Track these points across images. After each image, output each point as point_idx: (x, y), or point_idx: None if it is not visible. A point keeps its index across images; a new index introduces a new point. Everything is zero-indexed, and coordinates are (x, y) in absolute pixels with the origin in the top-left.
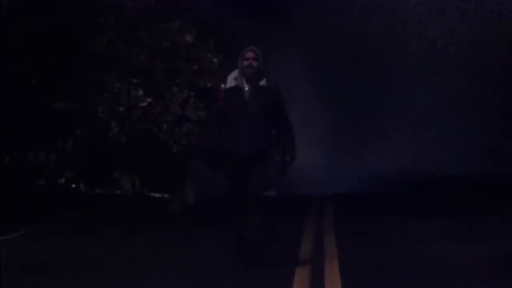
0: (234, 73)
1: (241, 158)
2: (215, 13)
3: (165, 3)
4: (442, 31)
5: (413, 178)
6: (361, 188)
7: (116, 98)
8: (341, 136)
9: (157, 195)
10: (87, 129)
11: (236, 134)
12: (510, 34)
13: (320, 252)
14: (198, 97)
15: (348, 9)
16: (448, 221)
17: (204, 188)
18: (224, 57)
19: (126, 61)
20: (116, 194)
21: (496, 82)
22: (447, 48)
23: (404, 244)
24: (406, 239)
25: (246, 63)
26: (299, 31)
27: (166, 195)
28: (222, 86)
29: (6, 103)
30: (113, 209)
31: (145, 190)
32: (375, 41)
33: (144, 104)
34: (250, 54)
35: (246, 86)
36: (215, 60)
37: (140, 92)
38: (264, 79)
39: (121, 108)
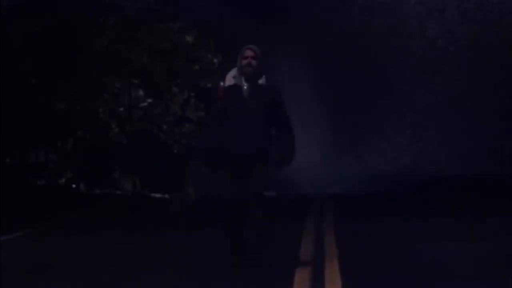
0: (233, 72)
1: (241, 158)
2: (215, 13)
3: (165, 3)
4: (442, 31)
5: (413, 178)
6: (361, 188)
7: (116, 99)
8: (341, 136)
9: (158, 195)
10: (87, 129)
11: (235, 134)
12: (510, 34)
13: (320, 252)
14: (198, 97)
15: (348, 9)
16: (448, 221)
17: (204, 188)
18: (225, 57)
19: (126, 61)
20: (116, 194)
21: (496, 82)
22: (447, 48)
23: (404, 244)
24: (406, 239)
25: (245, 61)
26: (299, 31)
27: (166, 196)
28: (221, 84)
29: (6, 103)
30: (113, 209)
31: (146, 190)
32: (375, 41)
33: (145, 104)
34: (249, 53)
35: (245, 84)
36: (215, 60)
37: (141, 92)
38: (264, 77)
39: (122, 109)
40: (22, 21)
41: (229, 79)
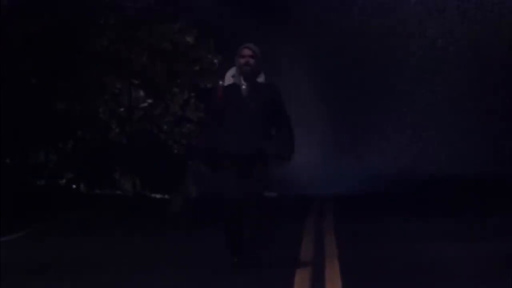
0: (232, 70)
1: (240, 158)
2: (215, 13)
3: (165, 3)
4: (442, 31)
5: (413, 178)
6: (361, 188)
7: (117, 99)
8: (341, 136)
9: (158, 196)
10: (88, 129)
11: (235, 134)
12: (510, 34)
13: (320, 252)
14: (198, 97)
15: (348, 9)
16: (448, 221)
17: (204, 187)
18: (225, 57)
19: (126, 61)
20: (117, 194)
21: (496, 82)
22: (447, 48)
23: (404, 244)
24: (406, 239)
25: (242, 60)
26: (299, 31)
27: (166, 196)
28: (220, 83)
29: (6, 103)
30: (114, 210)
31: (146, 190)
32: (375, 41)
33: (145, 104)
34: (246, 52)
35: (244, 83)
36: (215, 61)
37: (141, 93)
38: (262, 75)
39: (122, 109)
40: (22, 21)
41: (228, 78)
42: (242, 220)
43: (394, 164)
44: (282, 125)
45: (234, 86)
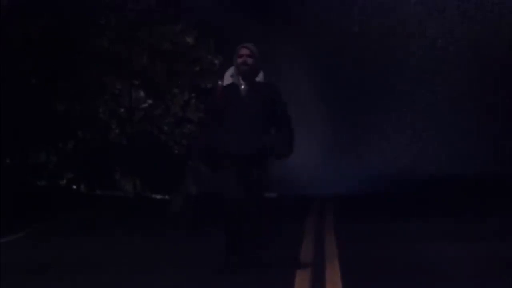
0: (231, 70)
1: (240, 158)
2: (215, 13)
3: (166, 4)
4: (442, 31)
5: (413, 178)
6: (361, 188)
7: (117, 99)
8: (341, 136)
9: (158, 196)
10: (88, 130)
11: (234, 134)
12: (510, 34)
13: (320, 252)
14: (199, 98)
15: (348, 9)
16: (448, 221)
17: (204, 186)
18: (225, 58)
19: (126, 62)
20: (117, 195)
21: (496, 82)
22: (447, 48)
23: (404, 244)
24: (406, 239)
25: (240, 60)
26: (299, 31)
27: (167, 197)
28: (220, 83)
29: (6, 103)
30: (114, 210)
31: (146, 191)
32: (375, 41)
33: (145, 105)
34: (244, 51)
35: (243, 83)
36: (216, 61)
37: (141, 93)
38: (261, 74)
39: (122, 110)
40: (22, 21)
41: (227, 78)
42: (242, 220)
43: (394, 164)
44: (282, 124)
45: (233, 86)
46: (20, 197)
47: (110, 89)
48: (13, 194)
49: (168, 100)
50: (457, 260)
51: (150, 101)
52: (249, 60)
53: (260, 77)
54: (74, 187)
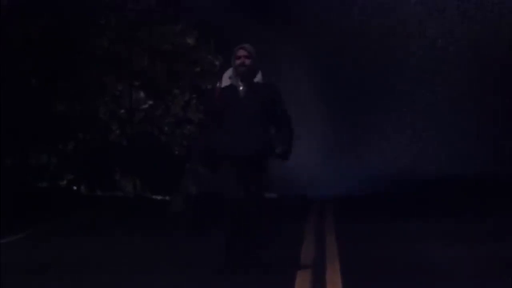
0: (229, 72)
1: (239, 159)
2: (215, 14)
3: (166, 4)
4: (442, 31)
5: (413, 178)
6: (361, 188)
7: (117, 100)
8: (341, 136)
9: (159, 197)
10: (88, 131)
11: (233, 135)
12: (510, 34)
13: (321, 253)
14: (199, 99)
15: (348, 9)
16: (448, 221)
17: (203, 186)
18: (225, 58)
19: (126, 62)
20: (117, 196)
21: (496, 82)
22: (447, 48)
23: (404, 244)
24: (406, 239)
25: (238, 61)
26: (299, 31)
27: (167, 197)
28: (218, 85)
29: (6, 103)
30: (114, 210)
31: (146, 192)
32: (375, 41)
33: (146, 106)
34: (241, 52)
35: (241, 84)
36: (216, 62)
37: (142, 94)
38: (259, 74)
39: (122, 110)
40: (22, 21)
41: (225, 80)
42: (242, 220)
43: (394, 164)
44: (282, 124)
45: (232, 88)
46: (20, 198)
47: (110, 89)
48: (13, 195)
49: (168, 101)
50: (457, 260)
51: (150, 102)
52: (247, 61)
53: (258, 78)
54: (75, 188)
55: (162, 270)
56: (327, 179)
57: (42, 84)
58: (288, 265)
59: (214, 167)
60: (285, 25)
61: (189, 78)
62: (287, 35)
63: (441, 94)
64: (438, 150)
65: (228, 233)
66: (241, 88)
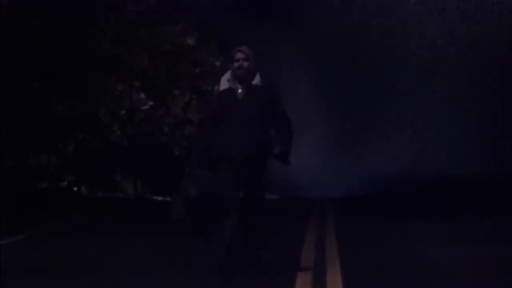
0: (227, 75)
1: (238, 161)
2: (215, 13)
3: (166, 5)
4: (442, 31)
5: (413, 178)
6: (361, 188)
7: (118, 101)
8: (341, 136)
9: (159, 198)
10: (88, 131)
11: (232, 138)
12: (510, 34)
13: (321, 253)
14: (200, 100)
15: (348, 9)
16: (448, 221)
17: (203, 187)
18: (226, 59)
19: (126, 63)
20: (118, 197)
21: (496, 82)
22: (447, 48)
23: (404, 244)
24: (406, 239)
25: (236, 64)
26: (299, 31)
27: (168, 198)
28: (216, 88)
29: (6, 103)
30: (115, 212)
31: (147, 193)
32: (375, 41)
33: (146, 107)
34: (239, 55)
35: (239, 87)
36: (217, 63)
37: (142, 95)
38: (258, 77)
39: (123, 111)
40: (22, 21)
41: (224, 83)
42: (242, 220)
43: (394, 164)
44: (281, 125)
45: (230, 91)
46: (20, 198)
47: (111, 90)
48: (13, 195)
49: (168, 101)
50: (457, 260)
51: (151, 103)
52: (245, 64)
53: (257, 80)
54: (75, 189)
55: (162, 270)
56: (327, 179)
57: (42, 84)
58: (288, 266)
59: (213, 168)
60: (285, 25)
61: (190, 79)
62: (287, 35)
63: (441, 94)
64: (438, 150)
65: (228, 234)
66: (239, 91)
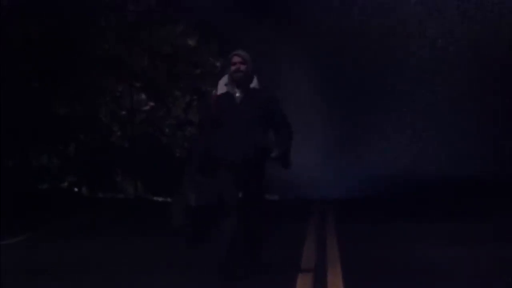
0: (225, 79)
1: (238, 164)
2: (215, 14)
3: (166, 5)
4: (442, 31)
5: (413, 178)
6: (361, 188)
7: (118, 102)
8: (341, 136)
9: (160, 199)
10: (89, 132)
11: (231, 141)
12: (510, 34)
13: (322, 254)
14: (200, 101)
15: (348, 9)
16: (448, 221)
17: (203, 194)
18: (226, 60)
19: (126, 63)
20: (119, 197)
21: (496, 82)
22: (447, 48)
23: (405, 245)
24: (406, 239)
25: (233, 68)
26: (299, 31)
27: (169, 199)
28: (214, 92)
29: (6, 104)
30: (115, 212)
31: (148, 193)
32: (375, 41)
33: (147, 108)
34: (236, 59)
35: (237, 91)
36: (217, 64)
37: (143, 96)
38: (255, 80)
39: (123, 112)
40: (22, 21)
41: (221, 87)
42: (242, 221)
43: (394, 164)
44: (280, 127)
45: (228, 95)
46: (20, 199)
47: (111, 90)
48: (13, 196)
49: (169, 102)
50: (457, 260)
51: (151, 104)
52: (242, 67)
53: (254, 83)
54: (76, 189)
55: (162, 270)
56: (327, 180)
57: (42, 85)
58: (289, 266)
59: (212, 170)
60: (285, 25)
61: (190, 80)
62: (287, 35)
63: (441, 94)
64: (438, 150)
65: (228, 234)
66: (237, 94)
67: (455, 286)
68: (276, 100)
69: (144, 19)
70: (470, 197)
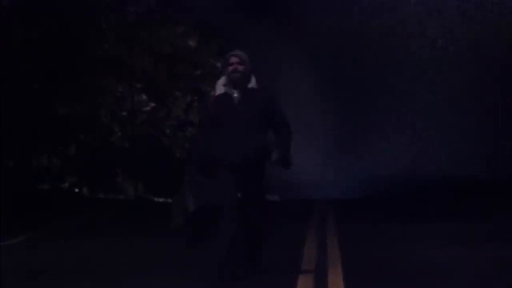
0: (223, 79)
1: (237, 165)
2: (215, 14)
3: (166, 5)
4: (442, 31)
5: (413, 178)
6: (361, 189)
7: (119, 102)
8: (341, 136)
9: (161, 199)
10: (90, 133)
11: (230, 142)
12: (510, 34)
13: (323, 254)
14: (201, 101)
15: (348, 9)
16: (448, 221)
17: (203, 196)
18: (224, 60)
19: (127, 64)
20: (119, 198)
21: (496, 82)
22: (447, 48)
23: (405, 245)
24: (406, 239)
25: (230, 68)
26: (299, 31)
27: (169, 200)
28: (212, 93)
29: (6, 104)
30: (115, 213)
31: (148, 194)
32: (375, 41)
33: (147, 108)
34: (233, 59)
35: (235, 92)
36: (218, 64)
37: (143, 96)
38: (253, 80)
39: (124, 113)
40: (22, 21)
41: (219, 87)
42: (242, 222)
43: (394, 164)
44: (280, 126)
45: (226, 95)
46: (21, 199)
47: (111, 91)
48: (14, 196)
49: (170, 103)
50: (457, 260)
51: (152, 104)
52: (240, 67)
53: (252, 83)
54: (77, 190)
55: (162, 270)
56: (327, 180)
57: (42, 85)
58: (289, 266)
59: (212, 170)
60: (285, 25)
61: (190, 80)
62: (287, 35)
63: (441, 94)
64: (438, 150)
65: (228, 234)
66: (235, 95)
67: (455, 286)
68: (275, 100)
69: (144, 20)
70: (470, 197)
